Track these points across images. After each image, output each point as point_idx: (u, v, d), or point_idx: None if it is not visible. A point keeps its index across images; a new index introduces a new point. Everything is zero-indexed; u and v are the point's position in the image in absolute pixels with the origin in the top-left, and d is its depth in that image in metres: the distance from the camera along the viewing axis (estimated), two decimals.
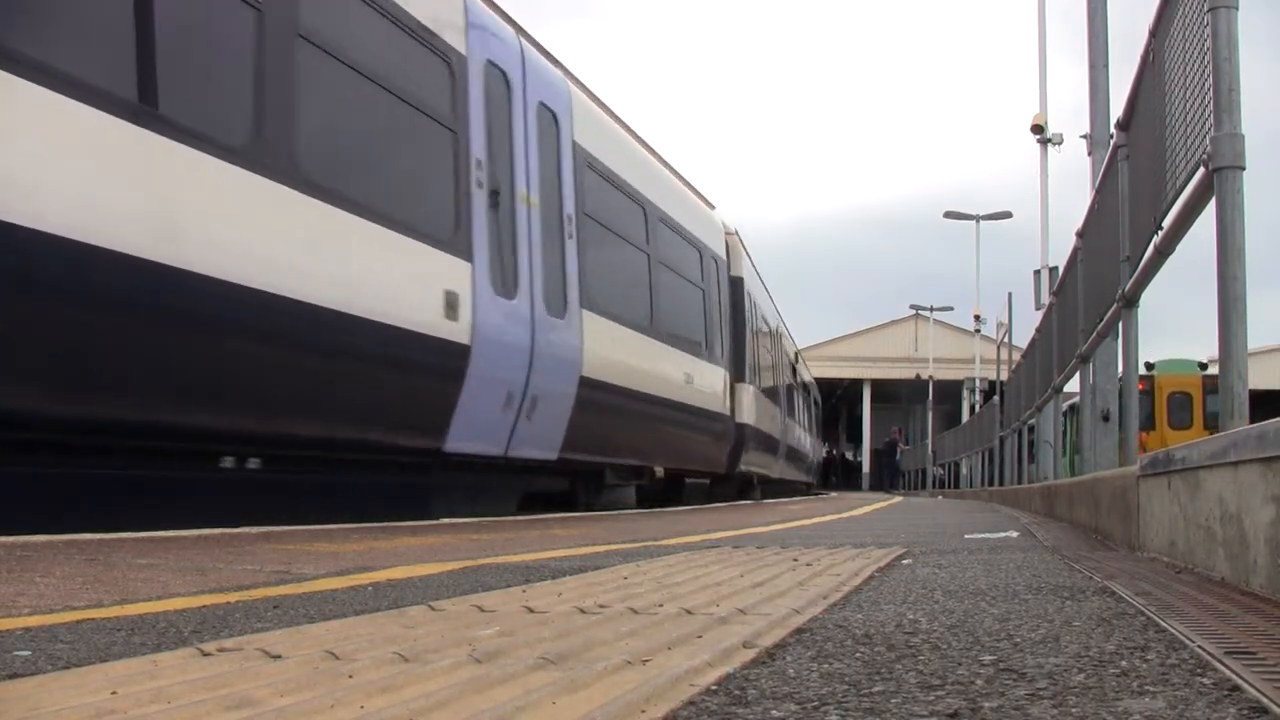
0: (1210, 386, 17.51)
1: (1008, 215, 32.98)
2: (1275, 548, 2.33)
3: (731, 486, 15.97)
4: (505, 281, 7.61)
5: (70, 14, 4.50)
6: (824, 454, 41.10)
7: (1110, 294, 5.73)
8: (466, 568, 3.33)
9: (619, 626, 1.92)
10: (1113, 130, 6.14)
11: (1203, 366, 18.93)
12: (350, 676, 1.44)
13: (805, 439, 27.65)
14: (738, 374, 14.51)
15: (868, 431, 47.47)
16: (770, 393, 18.65)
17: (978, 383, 34.91)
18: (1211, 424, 15.94)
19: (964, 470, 25.26)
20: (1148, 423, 16.88)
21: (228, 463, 5.65)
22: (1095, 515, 5.71)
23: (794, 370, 24.90)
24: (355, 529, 5.45)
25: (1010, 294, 24.70)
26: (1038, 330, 11.69)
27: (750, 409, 15.06)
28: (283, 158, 5.39)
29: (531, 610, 2.17)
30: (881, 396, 47.01)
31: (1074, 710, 1.30)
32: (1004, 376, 22.09)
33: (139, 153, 4.60)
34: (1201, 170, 3.50)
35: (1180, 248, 4.37)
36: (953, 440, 28.62)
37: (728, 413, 13.78)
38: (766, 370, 18.26)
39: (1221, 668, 1.57)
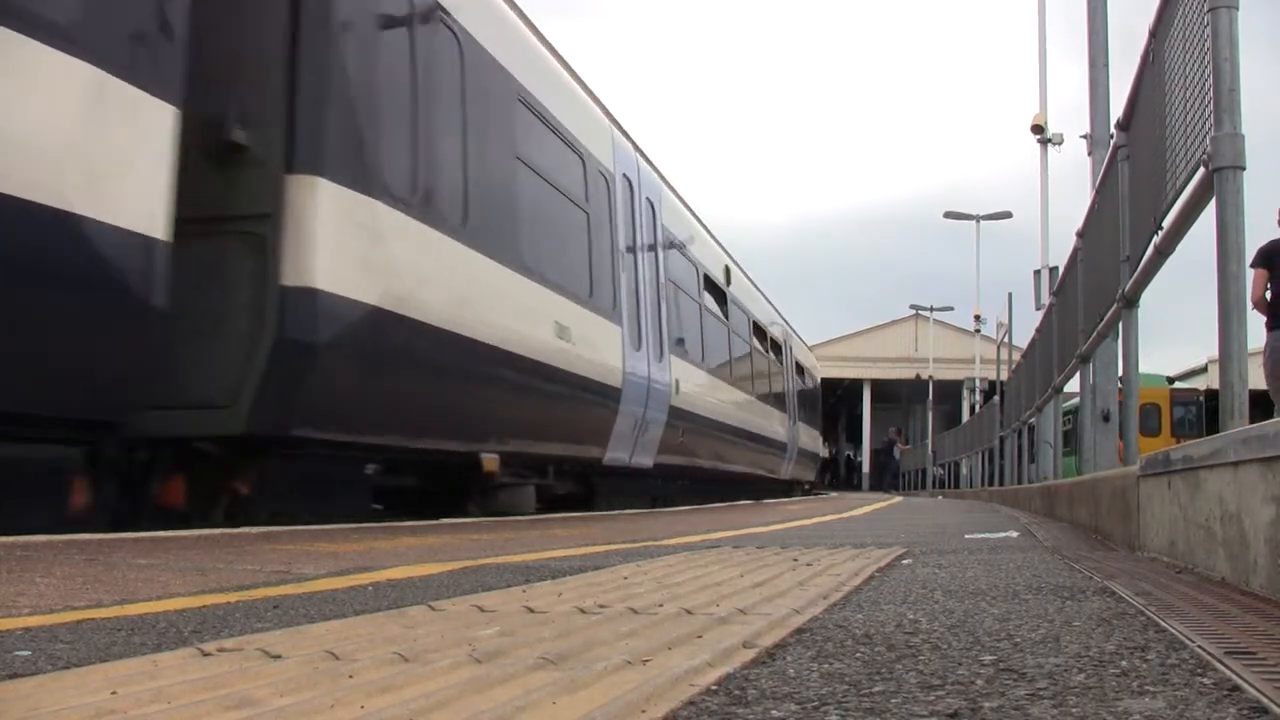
0: (1176, 398, 21.21)
1: (1008, 215, 33.05)
2: (1275, 548, 2.33)
3: (252, 478, 5.68)
4: None
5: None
6: (824, 449, 33.65)
7: (1110, 294, 5.73)
8: (466, 568, 3.33)
9: (619, 626, 1.92)
10: (1113, 130, 6.15)
11: (1170, 381, 22.41)
12: (350, 676, 1.44)
13: (767, 415, 19.17)
14: (308, 156, 5.55)
15: (868, 431, 47.46)
16: (579, 277, 9.28)
17: (978, 383, 34.91)
18: (1177, 431, 19.60)
19: (964, 470, 25.27)
20: None
21: None
22: (1095, 515, 5.71)
23: (723, 295, 15.72)
24: (355, 529, 5.45)
25: (1010, 294, 24.84)
26: (1038, 330, 11.69)
27: (368, 261, 5.92)
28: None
29: (531, 610, 2.17)
30: (881, 396, 47.02)
31: (1074, 710, 1.30)
32: (1004, 376, 22.12)
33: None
34: (1201, 170, 3.50)
35: (1180, 247, 4.37)
36: (953, 440, 28.62)
37: (154, 233, 4.67)
38: (535, 205, 8.43)
39: (1221, 668, 1.57)
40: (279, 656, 1.60)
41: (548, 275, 8.48)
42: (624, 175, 10.84)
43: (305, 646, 1.69)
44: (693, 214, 14.41)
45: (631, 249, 10.95)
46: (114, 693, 1.34)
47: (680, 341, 12.69)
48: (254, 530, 4.94)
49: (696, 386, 13.42)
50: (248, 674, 1.47)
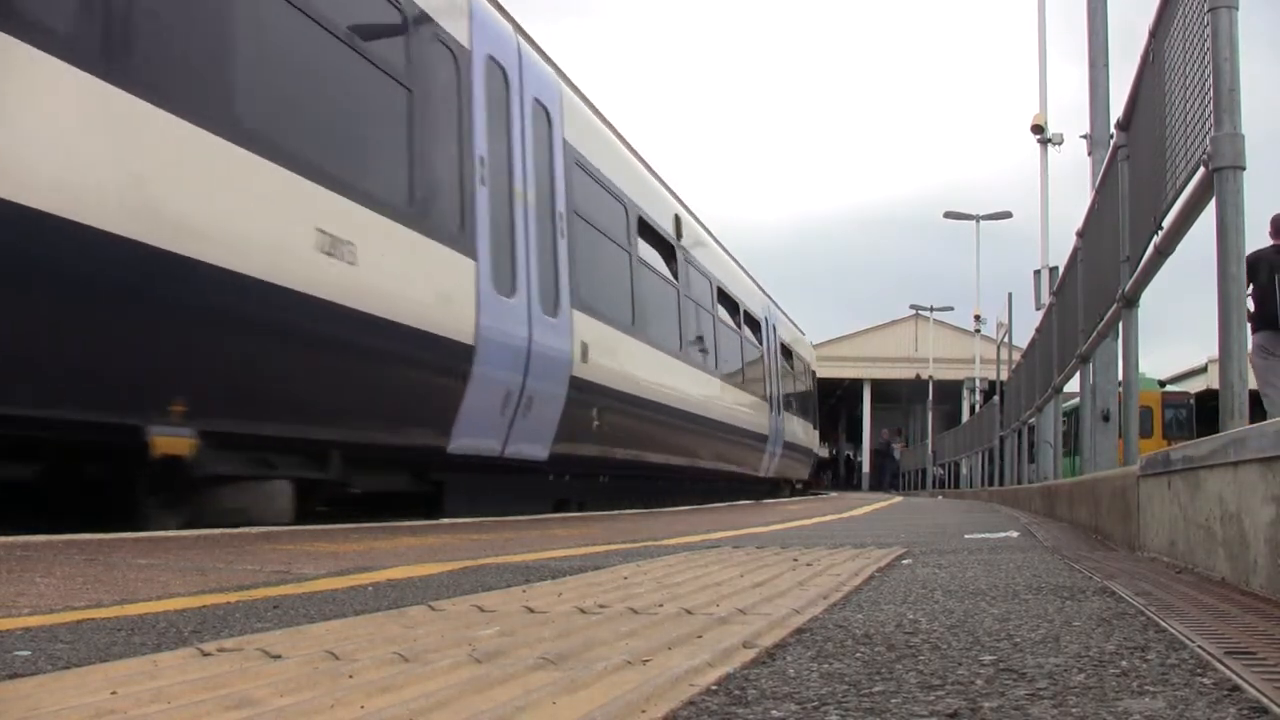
0: (1168, 401, 22.23)
1: (1008, 215, 33.13)
2: (1275, 548, 2.33)
3: None
4: None
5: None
6: (820, 445, 30.92)
7: (1110, 294, 5.73)
8: (466, 568, 3.33)
9: (619, 626, 1.92)
10: (1113, 130, 6.15)
11: (1162, 384, 23.47)
12: (350, 676, 1.44)
13: (739, 401, 16.18)
14: None
15: (867, 431, 47.50)
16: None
17: (978, 383, 34.96)
18: (1168, 433, 20.42)
19: (964, 470, 25.32)
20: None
21: None
22: (1095, 515, 5.71)
23: (670, 249, 12.62)
24: (355, 529, 5.45)
25: (1010, 294, 24.93)
26: (1038, 330, 11.70)
27: None
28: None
29: (531, 610, 2.17)
30: (881, 396, 47.08)
31: (1074, 710, 1.30)
32: (1004, 376, 22.16)
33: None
34: (1201, 170, 3.50)
35: (1180, 247, 4.37)
36: (953, 440, 28.64)
37: None
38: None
39: (1221, 668, 1.57)
40: (279, 656, 1.60)
41: (304, 157, 5.57)
42: (490, 58, 7.77)
43: (305, 646, 1.69)
44: (623, 142, 11.32)
45: (504, 161, 7.87)
46: (114, 693, 1.34)
47: (593, 297, 9.54)
48: (254, 530, 4.94)
49: (621, 356, 10.24)
50: (248, 674, 1.47)
